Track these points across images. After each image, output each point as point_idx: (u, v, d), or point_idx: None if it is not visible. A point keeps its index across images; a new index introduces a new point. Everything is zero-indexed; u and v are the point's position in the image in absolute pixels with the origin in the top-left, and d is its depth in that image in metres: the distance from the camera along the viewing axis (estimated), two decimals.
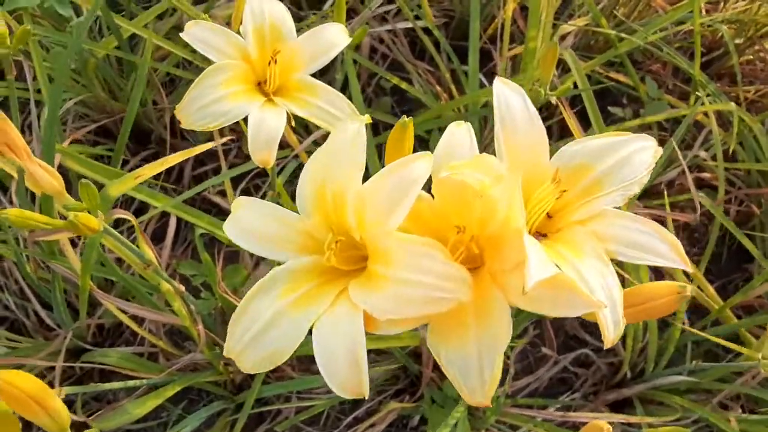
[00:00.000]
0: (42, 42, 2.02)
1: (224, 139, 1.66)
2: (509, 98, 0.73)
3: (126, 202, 2.11)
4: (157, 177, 2.19)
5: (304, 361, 2.00)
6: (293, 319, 0.70)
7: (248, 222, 0.76)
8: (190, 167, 2.25)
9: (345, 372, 0.66)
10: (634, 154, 0.73)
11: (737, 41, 2.34)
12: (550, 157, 0.75)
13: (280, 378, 1.92)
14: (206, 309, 1.72)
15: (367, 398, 0.67)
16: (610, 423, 1.90)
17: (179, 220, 2.16)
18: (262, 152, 1.03)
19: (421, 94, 2.13)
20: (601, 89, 2.43)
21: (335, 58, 1.92)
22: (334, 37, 1.12)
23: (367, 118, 0.72)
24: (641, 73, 2.41)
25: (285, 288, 0.73)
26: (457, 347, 0.67)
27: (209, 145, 1.31)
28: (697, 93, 2.08)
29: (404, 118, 0.76)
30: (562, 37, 2.23)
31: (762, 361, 1.06)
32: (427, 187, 0.74)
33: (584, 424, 1.88)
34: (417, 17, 2.24)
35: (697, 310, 2.11)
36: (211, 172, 2.27)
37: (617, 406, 1.97)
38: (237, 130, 2.30)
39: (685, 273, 1.87)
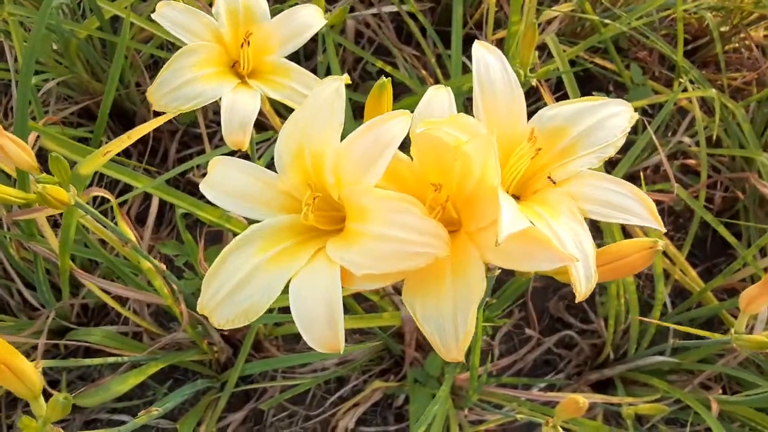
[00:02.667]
0: (24, 23, 2.00)
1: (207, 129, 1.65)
2: (488, 61, 0.74)
3: (110, 184, 2.10)
4: (140, 160, 2.18)
5: (289, 340, 2.00)
6: (270, 275, 0.71)
7: (226, 180, 0.76)
8: (175, 150, 2.24)
9: (321, 326, 0.67)
10: (609, 118, 0.73)
11: (723, 29, 2.35)
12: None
13: (264, 358, 1.93)
14: (189, 288, 1.72)
15: (341, 353, 0.67)
16: (592, 403, 1.93)
17: (164, 203, 2.15)
18: (236, 135, 1.00)
19: (407, 79, 2.13)
20: (586, 76, 2.44)
21: (320, 42, 1.92)
22: (308, 18, 1.11)
23: (345, 78, 0.73)
24: (627, 61, 2.42)
25: (262, 245, 0.73)
26: (433, 303, 0.68)
27: (168, 116, 1.27)
28: (680, 79, 2.09)
29: (382, 78, 0.76)
30: (548, 23, 2.24)
31: (734, 336, 1.07)
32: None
33: None
34: (402, 1, 2.23)
35: (680, 293, 2.13)
36: (196, 155, 2.26)
37: (599, 387, 1.99)
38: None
39: (666, 254, 1.89)
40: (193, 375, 1.96)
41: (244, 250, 0.73)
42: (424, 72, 2.23)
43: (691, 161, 2.33)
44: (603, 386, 2.01)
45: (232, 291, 0.71)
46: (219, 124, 2.28)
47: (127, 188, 2.02)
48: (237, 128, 0.96)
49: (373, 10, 2.25)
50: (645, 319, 1.65)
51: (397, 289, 1.86)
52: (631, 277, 1.74)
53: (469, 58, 2.25)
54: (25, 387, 0.81)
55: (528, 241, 0.63)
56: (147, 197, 2.09)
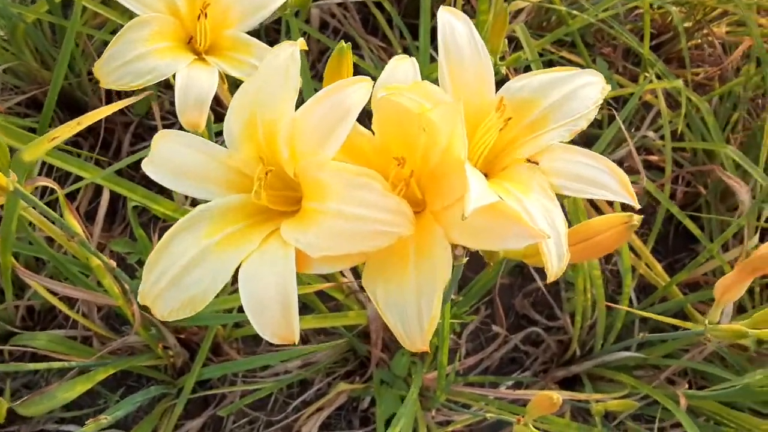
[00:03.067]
0: None
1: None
2: (455, 26, 0.69)
3: (60, 178, 1.99)
4: (92, 152, 2.08)
5: (249, 343, 1.92)
6: (218, 259, 0.64)
7: (171, 156, 0.69)
8: (128, 143, 2.14)
9: (274, 314, 0.61)
10: (581, 89, 0.69)
11: (686, 24, 2.37)
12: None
13: (223, 361, 1.84)
14: None
15: (296, 344, 0.61)
16: None
17: (117, 199, 2.05)
18: (191, 113, 0.92)
19: (373, 70, 2.07)
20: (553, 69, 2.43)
21: (283, 31, 1.85)
22: None
23: (301, 43, 0.67)
24: (593, 56, 2.42)
25: (210, 227, 0.66)
26: (395, 288, 0.62)
27: (123, 103, 1.19)
28: (645, 73, 2.09)
29: (342, 43, 0.70)
30: (515, 15, 2.21)
31: (709, 326, 1.05)
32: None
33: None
34: None
35: (644, 289, 2.12)
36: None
37: (566, 384, 1.97)
38: None
39: (633, 249, 1.88)
40: (147, 381, 1.86)
41: (191, 232, 0.66)
42: None
43: (654, 157, 2.33)
44: (570, 383, 1.99)
45: (177, 277, 0.65)
46: (175, 114, 2.20)
47: (77, 181, 1.92)
48: (192, 106, 0.89)
49: (339, 0, 2.19)
50: (616, 306, 1.63)
51: (363, 287, 1.80)
52: (598, 271, 1.72)
53: (437, 49, 2.21)
54: None
55: (496, 217, 0.58)
56: (98, 193, 1.99)
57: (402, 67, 0.69)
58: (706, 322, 1.11)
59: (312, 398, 1.90)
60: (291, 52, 0.65)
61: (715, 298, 1.06)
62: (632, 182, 1.85)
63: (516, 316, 2.14)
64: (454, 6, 2.12)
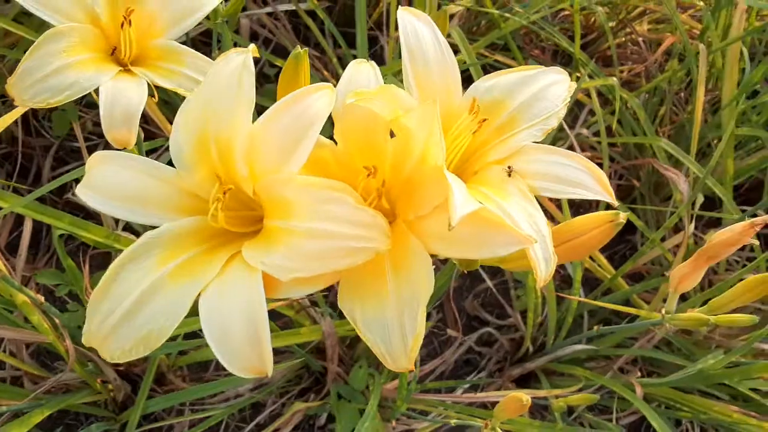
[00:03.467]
0: None
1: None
2: (417, 28, 0.65)
3: None
4: (9, 180, 1.93)
5: (194, 368, 1.82)
6: (174, 291, 0.58)
7: (109, 180, 0.62)
8: (49, 167, 2.00)
9: (243, 347, 0.55)
10: (549, 87, 0.67)
11: (610, 24, 2.44)
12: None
13: (169, 391, 1.74)
14: (74, 322, 1.51)
15: (269, 376, 0.56)
16: None
17: (39, 229, 1.91)
18: (119, 130, 0.84)
19: (310, 79, 2.02)
20: (487, 72, 2.45)
21: (214, 42, 1.77)
22: None
23: (253, 49, 0.61)
24: (525, 58, 2.45)
25: (162, 255, 0.60)
26: (374, 306, 0.58)
27: (23, 109, 1.06)
28: (577, 74, 2.13)
29: (298, 48, 0.66)
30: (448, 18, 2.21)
31: (667, 316, 1.06)
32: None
33: (493, 402, 1.86)
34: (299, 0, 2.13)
35: (588, 282, 2.16)
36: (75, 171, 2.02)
37: (522, 381, 1.97)
38: (101, 124, 2.08)
39: None
40: (86, 418, 1.73)
41: (140, 263, 0.59)
42: (326, 72, 2.13)
43: (587, 153, 2.39)
44: (525, 380, 2.00)
45: (127, 315, 0.58)
46: (100, 135, 2.08)
47: None
48: (120, 122, 0.82)
49: (268, 9, 2.13)
50: (570, 297, 1.64)
51: (314, 301, 1.74)
52: None
53: (373, 56, 2.18)
54: None
55: (481, 225, 0.55)
56: (19, 223, 1.84)
57: (363, 72, 0.65)
58: (663, 311, 1.13)
59: (266, 420, 1.82)
60: (243, 60, 0.60)
61: (671, 287, 1.07)
62: None
63: (467, 318, 2.13)
64: (388, 15, 2.10)
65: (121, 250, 1.33)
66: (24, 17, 1.92)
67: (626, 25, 2.50)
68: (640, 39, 2.45)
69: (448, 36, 1.99)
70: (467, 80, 2.06)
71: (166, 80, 0.86)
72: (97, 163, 0.63)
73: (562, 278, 2.20)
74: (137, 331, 0.58)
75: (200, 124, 0.61)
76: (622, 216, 0.63)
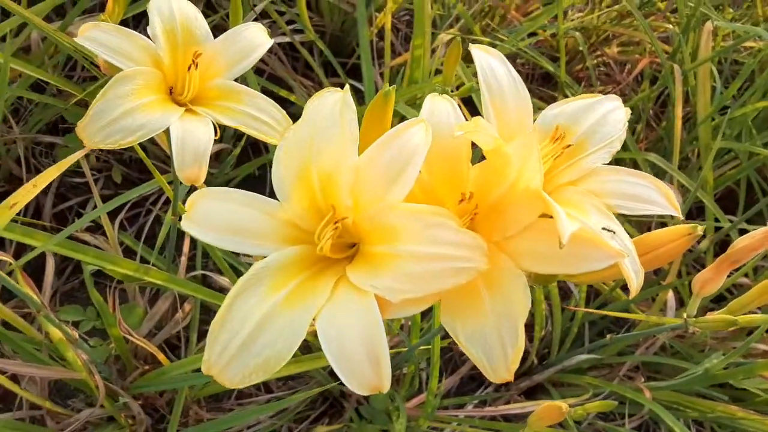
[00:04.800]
0: None
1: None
2: (491, 63, 0.72)
3: None
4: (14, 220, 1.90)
5: (209, 399, 1.83)
6: (288, 317, 0.62)
7: (214, 214, 0.66)
8: (51, 203, 1.98)
9: (363, 366, 0.59)
10: (610, 113, 0.74)
11: (580, 48, 2.57)
12: None
13: (185, 424, 1.74)
14: (100, 357, 1.51)
15: (386, 392, 0.60)
16: (526, 410, 1.94)
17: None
18: (191, 169, 0.88)
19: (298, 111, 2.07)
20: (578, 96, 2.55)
21: None
22: (254, 37, 1.02)
23: (347, 89, 0.67)
24: None
25: (272, 284, 0.64)
26: (474, 323, 0.63)
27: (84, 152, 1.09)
28: (564, 95, 2.24)
29: (386, 86, 0.71)
30: (433, 50, 2.30)
31: (690, 320, 1.12)
32: None
33: (506, 415, 1.91)
34: (294, 32, 2.19)
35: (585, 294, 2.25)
36: (76, 207, 2.02)
37: (529, 393, 2.03)
38: (102, 159, 2.08)
39: None
40: None
41: (253, 291, 0.63)
42: None
43: None
44: (532, 392, 2.06)
45: (246, 342, 0.61)
46: (101, 170, 2.08)
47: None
48: (191, 162, 0.85)
49: None
50: (578, 309, 1.71)
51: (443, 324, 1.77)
52: (554, 283, 1.80)
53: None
54: None
55: (575, 242, 0.60)
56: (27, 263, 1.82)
57: (441, 106, 0.71)
58: (685, 315, 1.20)
59: None
60: (342, 98, 0.65)
61: (693, 292, 1.14)
62: None
63: None
64: (381, 38, 2.18)
65: (151, 282, 1.35)
66: (20, 55, 1.93)
67: (597, 48, 2.64)
68: (611, 61, 2.59)
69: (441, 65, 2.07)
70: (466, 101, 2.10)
71: (228, 118, 0.91)
72: (199, 198, 0.67)
73: (560, 287, 2.28)
74: (256, 357, 0.61)
75: (302, 158, 0.66)
76: (699, 229, 0.69)
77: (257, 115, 0.92)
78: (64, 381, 1.70)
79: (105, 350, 1.50)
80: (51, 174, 1.07)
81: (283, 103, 2.16)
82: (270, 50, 2.25)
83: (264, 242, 0.67)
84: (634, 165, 2.28)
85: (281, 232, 0.67)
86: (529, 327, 2.01)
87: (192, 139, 0.86)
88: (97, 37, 0.88)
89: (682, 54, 2.21)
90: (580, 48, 2.49)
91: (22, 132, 1.93)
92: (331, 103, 0.65)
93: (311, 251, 0.66)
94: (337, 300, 0.62)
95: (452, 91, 1.44)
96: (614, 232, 0.65)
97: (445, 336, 2.01)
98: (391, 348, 1.65)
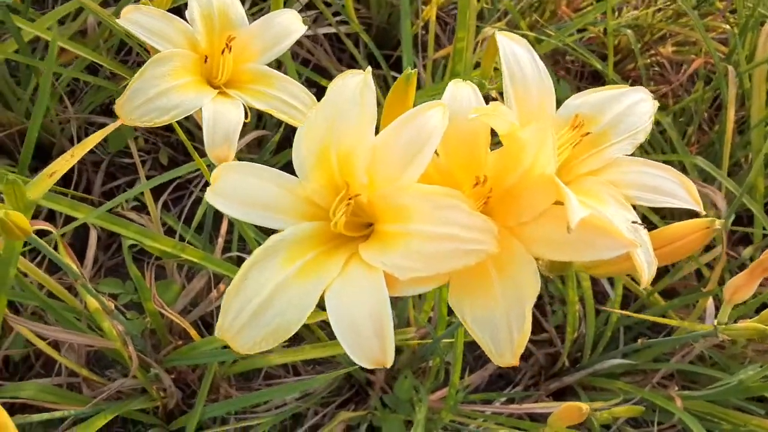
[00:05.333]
0: None
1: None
2: (516, 50, 0.72)
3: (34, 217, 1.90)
4: (63, 193, 2.00)
5: (239, 379, 1.87)
6: (300, 288, 0.64)
7: (238, 187, 0.68)
8: (100, 182, 2.07)
9: (369, 340, 0.60)
10: (636, 104, 0.73)
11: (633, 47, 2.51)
12: None
13: (215, 400, 1.79)
14: (136, 329, 1.57)
15: (389, 367, 0.61)
16: (550, 410, 1.92)
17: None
18: (221, 148, 0.91)
19: None
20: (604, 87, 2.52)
21: None
22: (289, 23, 1.04)
23: (368, 71, 0.68)
24: (557, 79, 2.52)
25: (287, 256, 0.66)
26: (482, 306, 0.64)
27: (101, 135, 1.13)
28: None
29: (408, 69, 0.72)
30: (481, 42, 2.29)
31: (720, 327, 1.10)
32: None
33: (531, 414, 1.89)
34: (340, 23, 2.22)
35: (622, 300, 2.20)
36: (124, 186, 2.10)
37: (558, 395, 2.00)
38: (151, 141, 2.16)
39: None
40: (133, 425, 1.78)
41: (268, 263, 0.65)
42: None
43: None
44: (561, 394, 2.03)
45: (258, 310, 0.64)
46: (148, 152, 2.15)
47: (48, 220, 1.83)
48: (221, 141, 0.88)
49: (309, 32, 2.21)
50: (612, 310, 1.68)
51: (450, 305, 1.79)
52: (588, 282, 1.78)
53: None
54: None
55: (587, 230, 0.60)
56: (73, 236, 1.91)
57: (463, 91, 0.71)
58: (715, 322, 1.17)
59: (308, 431, 1.86)
60: (363, 79, 0.66)
61: (725, 298, 1.11)
62: None
63: None
64: (423, 37, 2.18)
65: (186, 260, 1.39)
66: (78, 39, 2.02)
67: (651, 47, 2.57)
68: (665, 61, 2.51)
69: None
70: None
71: (260, 102, 0.93)
72: (224, 172, 0.70)
73: (596, 293, 2.24)
74: (267, 325, 0.63)
75: (322, 137, 0.67)
76: (718, 223, 0.68)
77: (288, 99, 0.94)
78: (103, 352, 1.78)
79: (141, 323, 1.56)
80: (88, 144, 1.12)
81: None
82: (315, 40, 2.31)
83: (283, 217, 0.69)
84: (682, 168, 2.22)
85: (300, 209, 0.69)
86: (561, 328, 1.99)
87: (223, 120, 0.89)
88: (138, 19, 0.92)
89: (738, 56, 2.14)
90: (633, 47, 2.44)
91: (76, 112, 2.01)
92: (353, 85, 0.67)
93: (327, 228, 0.68)
94: (347, 275, 0.64)
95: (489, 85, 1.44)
96: (639, 223, 0.64)
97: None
98: (417, 340, 1.66)
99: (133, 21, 0.92)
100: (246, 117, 0.94)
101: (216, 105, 0.91)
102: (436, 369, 1.72)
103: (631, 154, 2.08)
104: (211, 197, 0.69)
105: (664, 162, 2.19)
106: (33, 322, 1.43)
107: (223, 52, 0.93)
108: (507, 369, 2.13)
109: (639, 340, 1.48)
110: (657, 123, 2.20)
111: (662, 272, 2.28)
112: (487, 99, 0.73)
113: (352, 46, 2.17)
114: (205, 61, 0.97)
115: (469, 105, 0.70)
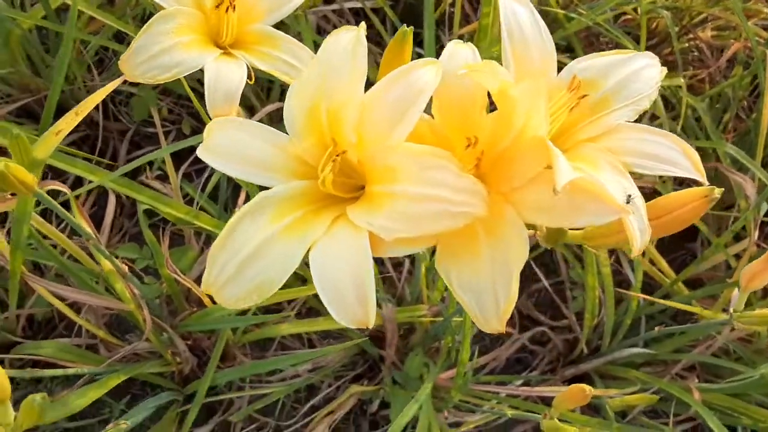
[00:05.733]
0: None
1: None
2: (515, 8, 0.69)
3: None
4: (88, 159, 2.04)
5: (255, 348, 1.90)
6: (285, 246, 0.63)
7: (228, 143, 0.68)
8: (125, 150, 2.10)
9: (351, 299, 0.60)
10: (642, 70, 0.70)
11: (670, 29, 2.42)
12: None
13: (230, 368, 1.81)
14: (152, 294, 1.59)
15: (371, 328, 0.60)
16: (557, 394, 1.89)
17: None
18: (222, 108, 0.91)
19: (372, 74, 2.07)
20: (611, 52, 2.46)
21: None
22: None
23: (362, 27, 0.66)
24: None
25: (274, 214, 0.65)
26: (469, 270, 0.62)
27: (112, 86, 1.14)
28: None
29: (403, 27, 0.70)
30: None
31: (735, 314, 1.06)
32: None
33: (546, 398, 1.87)
34: None
35: (645, 288, 2.15)
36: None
37: (574, 382, 1.97)
38: (175, 111, 2.18)
39: None
40: (151, 389, 1.82)
41: (255, 219, 0.65)
42: None
43: None
44: (577, 381, 1.99)
45: (243, 265, 0.63)
46: (173, 122, 2.18)
47: (77, 185, 1.87)
48: (222, 100, 0.88)
49: (335, 6, 2.19)
50: (633, 293, 1.64)
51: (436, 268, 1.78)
52: (608, 269, 1.74)
53: (437, 55, 2.20)
54: None
55: (579, 195, 0.58)
56: (96, 199, 1.95)
57: (461, 52, 0.69)
58: (731, 310, 1.13)
59: (320, 403, 1.87)
60: (356, 35, 0.65)
61: (741, 285, 1.07)
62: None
63: (520, 317, 2.14)
64: (450, 14, 2.14)
65: (200, 227, 1.40)
66: (106, 7, 2.04)
67: (689, 31, 2.47)
68: (703, 45, 2.42)
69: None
70: None
71: (263, 63, 0.93)
72: (216, 127, 0.69)
73: (618, 281, 2.19)
74: (251, 281, 0.63)
75: (313, 94, 0.66)
76: (717, 191, 0.65)
77: (291, 61, 0.93)
78: (123, 316, 1.82)
79: (157, 289, 1.59)
80: (94, 100, 1.13)
81: None
82: (341, 14, 2.29)
83: (273, 174, 0.68)
84: (715, 156, 2.15)
85: (290, 167, 0.68)
86: (580, 314, 1.95)
87: (224, 80, 0.89)
88: None
89: None
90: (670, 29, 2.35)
91: (103, 80, 2.04)
92: (345, 41, 0.65)
93: (317, 187, 0.67)
94: (332, 234, 0.63)
95: None
96: (632, 195, 0.61)
97: None
98: (430, 317, 1.65)
99: None
100: (250, 78, 0.93)
101: (219, 64, 0.90)
102: (447, 348, 1.71)
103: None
104: (202, 153, 0.69)
105: (696, 149, 2.13)
106: (54, 283, 1.46)
107: (227, 10, 0.92)
108: (525, 354, 2.11)
109: (656, 328, 1.44)
110: (692, 109, 2.13)
111: (688, 260, 2.22)
112: None
113: (378, 21, 2.15)
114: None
115: (468, 62, 0.68)
